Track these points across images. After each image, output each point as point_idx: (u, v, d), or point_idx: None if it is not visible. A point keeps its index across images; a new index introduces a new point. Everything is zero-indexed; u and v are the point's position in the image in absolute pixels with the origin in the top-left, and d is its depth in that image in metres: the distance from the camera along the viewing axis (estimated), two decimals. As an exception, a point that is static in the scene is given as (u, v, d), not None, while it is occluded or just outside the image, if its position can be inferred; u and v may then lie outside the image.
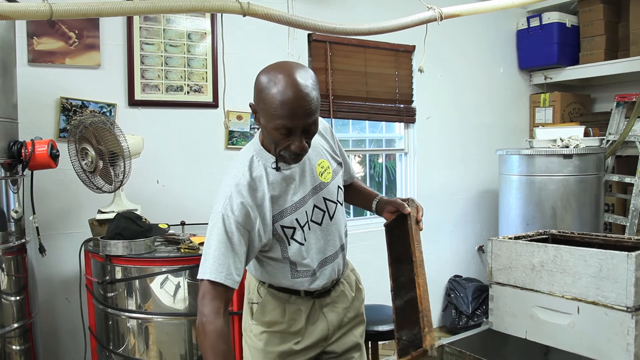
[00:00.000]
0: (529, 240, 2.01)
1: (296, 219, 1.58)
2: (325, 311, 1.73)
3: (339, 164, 1.75)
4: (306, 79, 1.42)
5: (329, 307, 1.74)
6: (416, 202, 1.77)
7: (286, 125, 1.40)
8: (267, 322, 1.69)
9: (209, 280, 1.43)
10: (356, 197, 1.95)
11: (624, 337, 1.60)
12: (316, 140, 1.65)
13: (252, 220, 1.51)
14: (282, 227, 1.57)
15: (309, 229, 1.62)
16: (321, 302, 1.72)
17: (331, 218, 1.67)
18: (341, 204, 1.72)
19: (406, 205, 1.73)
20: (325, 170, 1.66)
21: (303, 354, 1.70)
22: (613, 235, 2.02)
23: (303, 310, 1.69)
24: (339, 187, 1.70)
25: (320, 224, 1.64)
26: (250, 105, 1.51)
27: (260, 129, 1.56)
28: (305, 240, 1.61)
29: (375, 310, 2.66)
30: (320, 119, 1.70)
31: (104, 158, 2.50)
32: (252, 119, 3.42)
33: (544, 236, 2.13)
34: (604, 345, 1.65)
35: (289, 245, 1.59)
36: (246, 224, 1.49)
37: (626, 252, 1.57)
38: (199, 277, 1.46)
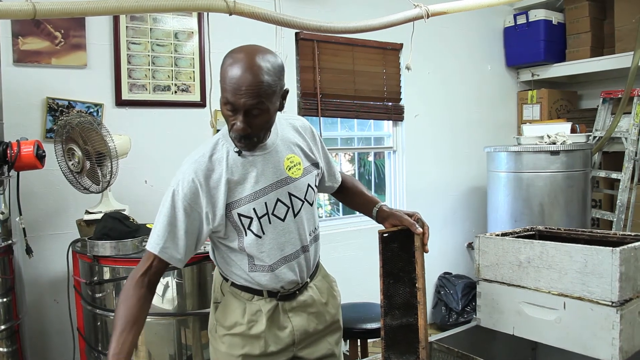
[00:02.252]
0: (516, 237, 2.01)
1: (254, 209, 1.55)
2: (290, 315, 1.67)
3: (314, 164, 1.71)
4: (263, 62, 1.43)
5: (295, 312, 1.68)
6: (422, 219, 1.70)
7: (229, 100, 1.42)
8: (227, 324, 1.65)
9: (149, 251, 1.51)
10: (355, 201, 1.90)
11: (609, 332, 1.60)
12: (288, 135, 1.66)
13: (200, 200, 1.51)
14: (239, 215, 1.54)
15: (269, 222, 1.58)
16: (285, 305, 1.66)
17: (295, 215, 1.62)
18: (310, 204, 1.67)
19: (417, 225, 1.65)
20: (294, 166, 1.63)
21: (268, 358, 1.65)
22: (599, 230, 2.02)
23: (264, 312, 1.63)
24: (309, 186, 1.66)
25: (282, 220, 1.60)
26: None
27: None
28: (263, 233, 1.57)
29: (364, 308, 2.67)
30: (300, 117, 1.80)
31: (91, 158, 2.49)
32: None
33: (531, 232, 2.14)
34: (589, 340, 1.65)
35: (245, 235, 1.56)
36: (194, 203, 1.50)
37: (611, 248, 1.58)
38: (146, 247, 1.54)
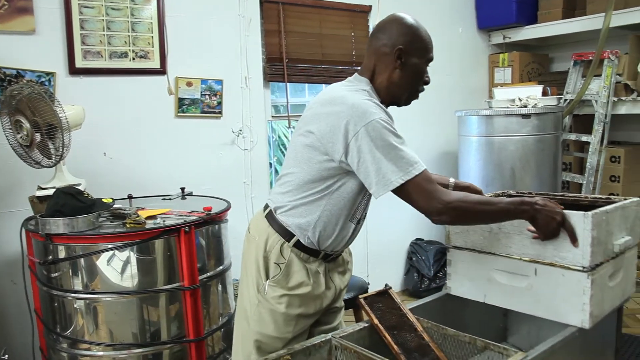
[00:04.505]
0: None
1: None
2: (331, 276, 1.77)
3: None
4: None
5: (335, 272, 1.78)
6: None
7: (432, 56, 1.74)
8: (291, 285, 1.67)
9: (421, 173, 1.49)
10: None
11: (580, 297, 1.58)
12: None
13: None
14: None
15: None
16: (329, 266, 1.75)
17: None
18: None
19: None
20: None
21: (314, 316, 1.75)
22: (570, 194, 1.99)
23: (321, 273, 1.71)
24: None
25: None
26: (395, 49, 1.65)
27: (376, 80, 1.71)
28: None
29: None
30: None
31: (41, 130, 2.34)
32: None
33: (502, 197, 2.09)
34: (560, 305, 1.63)
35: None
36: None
37: (583, 212, 1.53)
38: (406, 177, 1.48)
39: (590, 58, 4.08)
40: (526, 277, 1.70)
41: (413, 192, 1.49)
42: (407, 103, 1.77)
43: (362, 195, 1.66)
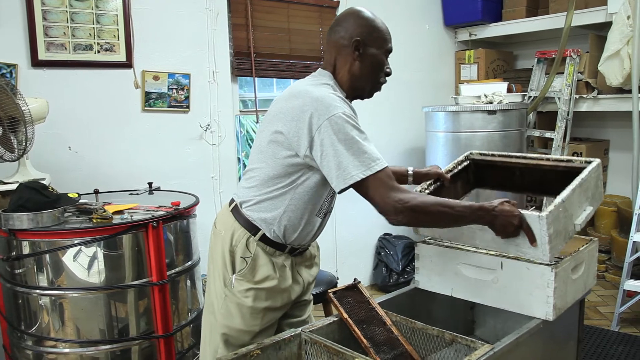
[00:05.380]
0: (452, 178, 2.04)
1: None
2: (299, 269, 1.78)
3: None
4: None
5: (302, 266, 1.80)
6: None
7: (391, 47, 1.72)
8: (257, 278, 1.67)
9: (382, 169, 1.49)
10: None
11: (544, 290, 1.62)
12: None
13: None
14: None
15: None
16: (296, 260, 1.77)
17: None
18: None
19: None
20: None
21: (282, 309, 1.76)
22: (532, 156, 2.03)
23: (287, 267, 1.72)
24: None
25: None
26: (352, 41, 1.65)
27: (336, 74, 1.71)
28: None
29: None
30: None
31: (2, 124, 2.28)
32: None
33: (466, 163, 2.12)
34: (525, 298, 1.66)
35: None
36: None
37: (537, 214, 1.54)
38: (367, 173, 1.47)
39: (553, 56, 4.18)
40: (492, 271, 1.74)
41: (372, 188, 1.47)
42: (370, 95, 1.77)
43: (327, 189, 1.67)
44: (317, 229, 1.75)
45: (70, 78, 2.96)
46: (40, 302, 2.21)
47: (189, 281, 2.53)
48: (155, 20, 3.19)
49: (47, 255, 2.16)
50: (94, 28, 3.03)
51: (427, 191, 1.90)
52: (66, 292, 2.20)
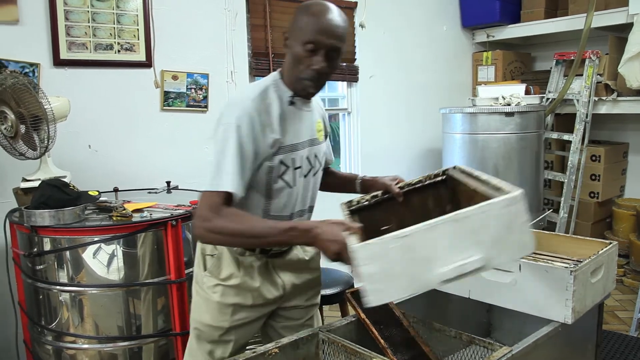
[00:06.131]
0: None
1: (292, 159, 1.60)
2: (279, 272, 1.74)
3: (327, 135, 1.82)
4: (339, 12, 1.55)
5: (282, 269, 1.74)
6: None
7: (312, 39, 1.50)
8: (222, 276, 1.67)
9: (226, 192, 1.45)
10: (336, 180, 1.98)
11: (563, 293, 1.61)
12: (317, 105, 1.77)
13: (258, 135, 1.52)
14: (280, 161, 1.58)
15: (299, 176, 1.64)
16: (274, 262, 1.72)
17: (314, 175, 1.71)
18: (322, 170, 1.78)
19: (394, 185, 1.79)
20: (320, 131, 1.74)
21: (257, 308, 1.71)
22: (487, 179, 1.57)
23: (255, 267, 1.68)
24: (325, 153, 1.78)
25: (305, 177, 1.67)
26: (283, 35, 1.60)
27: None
28: (294, 184, 1.63)
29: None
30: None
31: (26, 122, 2.32)
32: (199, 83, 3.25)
33: (441, 177, 1.84)
34: (543, 301, 1.66)
35: (275, 183, 1.59)
36: (255, 137, 1.51)
37: (353, 243, 1.25)
38: (214, 188, 1.45)
39: (572, 58, 4.15)
40: (510, 273, 1.73)
41: (199, 203, 1.48)
42: (304, 93, 1.60)
43: (269, 195, 1.61)
44: None
45: (90, 77, 3.00)
46: (60, 298, 2.24)
47: (206, 279, 2.55)
48: (174, 21, 3.22)
49: (68, 252, 2.19)
50: (114, 28, 3.06)
51: (366, 202, 1.75)
52: (85, 288, 2.23)
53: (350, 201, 1.80)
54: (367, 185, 1.87)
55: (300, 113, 1.64)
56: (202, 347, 1.71)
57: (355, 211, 1.78)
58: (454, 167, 1.83)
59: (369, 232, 1.44)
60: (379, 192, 1.81)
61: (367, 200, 1.79)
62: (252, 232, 1.45)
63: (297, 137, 1.62)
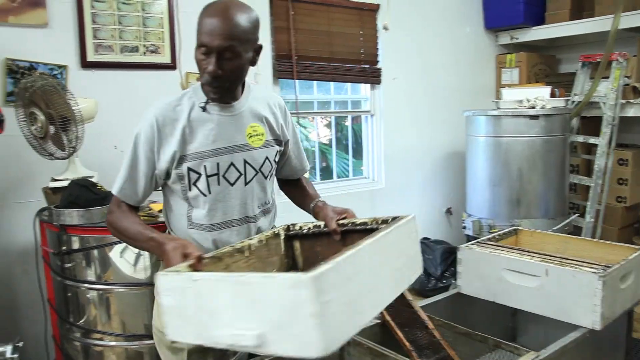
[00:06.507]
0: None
1: (204, 166, 1.57)
2: None
3: (278, 141, 1.72)
4: (239, 11, 1.48)
5: None
6: (352, 215, 1.63)
7: (203, 42, 1.46)
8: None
9: (115, 194, 1.61)
10: (297, 195, 1.89)
11: (591, 299, 1.59)
12: (258, 107, 1.67)
13: (155, 144, 1.54)
14: (189, 168, 1.56)
15: (217, 184, 1.59)
16: None
17: (245, 183, 1.63)
18: (265, 177, 1.68)
19: (334, 221, 1.58)
20: (256, 135, 1.65)
21: None
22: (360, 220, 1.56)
23: None
24: (267, 159, 1.67)
25: (232, 184, 1.61)
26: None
27: None
28: (208, 192, 1.59)
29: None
30: (278, 97, 1.82)
31: (55, 123, 2.36)
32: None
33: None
34: (570, 307, 1.64)
35: (190, 190, 1.59)
36: (152, 146, 1.54)
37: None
38: (113, 190, 1.61)
39: (598, 60, 4.09)
40: (537, 278, 1.72)
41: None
42: (209, 97, 1.57)
43: (189, 203, 1.61)
44: (215, 243, 1.62)
45: (116, 79, 3.04)
46: (88, 295, 2.28)
47: (229, 280, 2.57)
48: (199, 23, 3.25)
49: (96, 251, 2.22)
50: (140, 30, 3.11)
51: (305, 231, 1.64)
52: (113, 287, 2.26)
53: (291, 225, 1.67)
54: (316, 211, 1.73)
55: (219, 119, 1.58)
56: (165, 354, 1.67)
57: (293, 237, 1.67)
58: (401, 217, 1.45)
59: (307, 263, 1.49)
60: (322, 223, 1.62)
61: (307, 229, 1.65)
62: (127, 233, 1.56)
63: (209, 144, 1.56)
